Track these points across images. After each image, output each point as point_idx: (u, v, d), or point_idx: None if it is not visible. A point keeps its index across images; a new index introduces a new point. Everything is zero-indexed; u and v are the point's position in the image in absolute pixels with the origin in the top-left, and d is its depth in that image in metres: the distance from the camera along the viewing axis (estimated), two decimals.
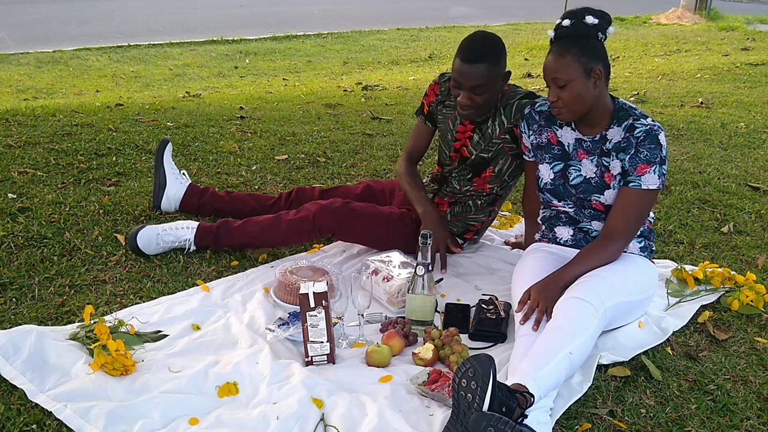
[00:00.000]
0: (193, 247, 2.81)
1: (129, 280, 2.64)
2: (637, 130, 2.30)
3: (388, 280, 2.54)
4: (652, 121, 2.32)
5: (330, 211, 2.78)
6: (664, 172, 2.32)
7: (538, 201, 2.62)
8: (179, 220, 2.95)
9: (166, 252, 2.83)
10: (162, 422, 1.85)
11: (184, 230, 2.80)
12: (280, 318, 2.37)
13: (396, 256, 2.69)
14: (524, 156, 2.61)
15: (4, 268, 2.65)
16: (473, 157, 2.76)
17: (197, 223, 2.86)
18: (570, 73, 2.23)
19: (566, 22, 2.25)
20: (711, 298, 2.69)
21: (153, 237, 2.77)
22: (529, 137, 2.55)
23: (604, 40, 2.30)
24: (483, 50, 2.50)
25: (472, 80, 2.50)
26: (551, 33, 2.30)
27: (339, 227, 2.81)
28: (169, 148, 3.20)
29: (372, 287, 2.31)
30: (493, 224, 3.34)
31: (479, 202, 2.86)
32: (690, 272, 2.79)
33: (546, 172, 2.50)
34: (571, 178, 2.45)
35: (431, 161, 4.24)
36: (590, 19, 2.23)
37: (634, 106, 2.38)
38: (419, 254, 2.35)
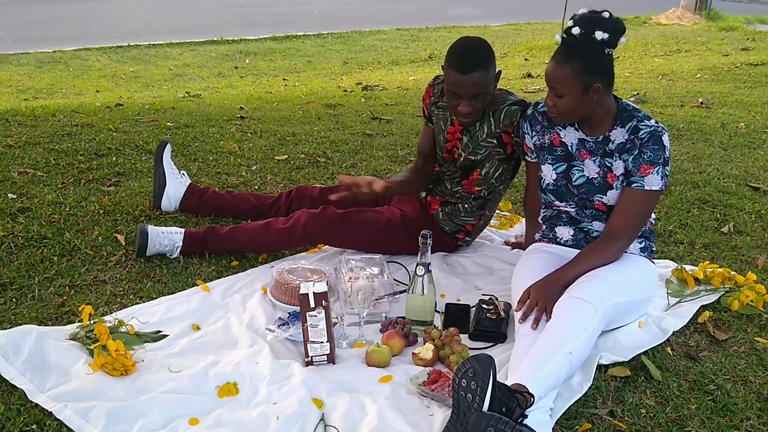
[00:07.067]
0: (176, 254, 2.80)
1: (129, 280, 2.64)
2: (642, 132, 2.30)
3: (352, 281, 2.50)
4: (656, 122, 2.32)
5: (320, 218, 2.79)
6: (667, 173, 2.32)
7: (539, 201, 2.62)
8: (177, 220, 2.94)
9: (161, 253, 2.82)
10: (162, 422, 1.85)
11: (177, 234, 2.81)
12: (280, 318, 2.37)
13: (377, 261, 2.64)
14: (526, 157, 2.61)
15: (4, 268, 2.65)
16: (461, 159, 2.78)
17: (184, 229, 2.86)
18: (567, 88, 2.25)
19: (576, 31, 2.22)
20: (711, 298, 2.69)
21: (155, 236, 2.78)
22: (531, 138, 2.55)
23: (612, 51, 2.26)
24: (475, 58, 2.53)
25: (471, 89, 2.53)
26: (558, 38, 2.30)
27: (330, 234, 2.83)
28: (168, 149, 3.21)
29: (338, 285, 2.32)
30: (493, 224, 3.35)
31: (467, 205, 2.86)
32: (690, 272, 2.79)
33: (549, 173, 2.50)
34: (574, 179, 2.45)
35: None
36: (599, 35, 2.19)
37: (637, 107, 2.38)
38: (419, 254, 2.35)
